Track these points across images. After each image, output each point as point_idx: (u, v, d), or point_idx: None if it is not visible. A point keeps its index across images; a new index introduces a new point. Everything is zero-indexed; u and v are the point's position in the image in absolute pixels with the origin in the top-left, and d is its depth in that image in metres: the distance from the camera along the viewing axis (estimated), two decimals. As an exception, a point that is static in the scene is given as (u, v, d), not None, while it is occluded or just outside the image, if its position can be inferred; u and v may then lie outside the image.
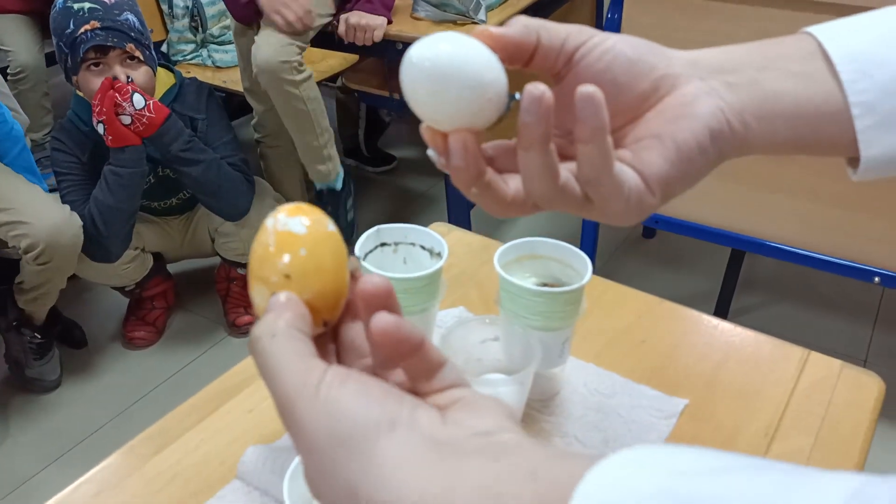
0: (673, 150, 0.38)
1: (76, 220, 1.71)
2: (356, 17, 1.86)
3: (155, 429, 0.72)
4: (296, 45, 1.88)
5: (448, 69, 0.35)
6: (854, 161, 0.41)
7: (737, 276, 1.95)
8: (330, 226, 0.34)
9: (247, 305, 2.09)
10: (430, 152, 0.39)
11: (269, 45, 1.86)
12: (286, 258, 0.32)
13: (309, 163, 2.08)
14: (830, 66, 0.39)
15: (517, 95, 0.36)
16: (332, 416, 0.28)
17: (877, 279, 1.55)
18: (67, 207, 1.72)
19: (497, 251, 0.71)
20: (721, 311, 1.96)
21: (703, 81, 0.39)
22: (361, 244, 0.73)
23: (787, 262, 1.68)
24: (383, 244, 0.76)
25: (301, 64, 1.90)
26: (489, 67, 0.36)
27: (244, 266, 2.05)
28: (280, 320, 0.31)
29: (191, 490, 0.66)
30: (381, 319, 0.30)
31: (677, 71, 0.40)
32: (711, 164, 0.39)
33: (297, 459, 0.56)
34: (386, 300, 0.31)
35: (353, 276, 0.34)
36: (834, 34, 0.40)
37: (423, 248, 0.76)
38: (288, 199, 2.06)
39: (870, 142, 0.39)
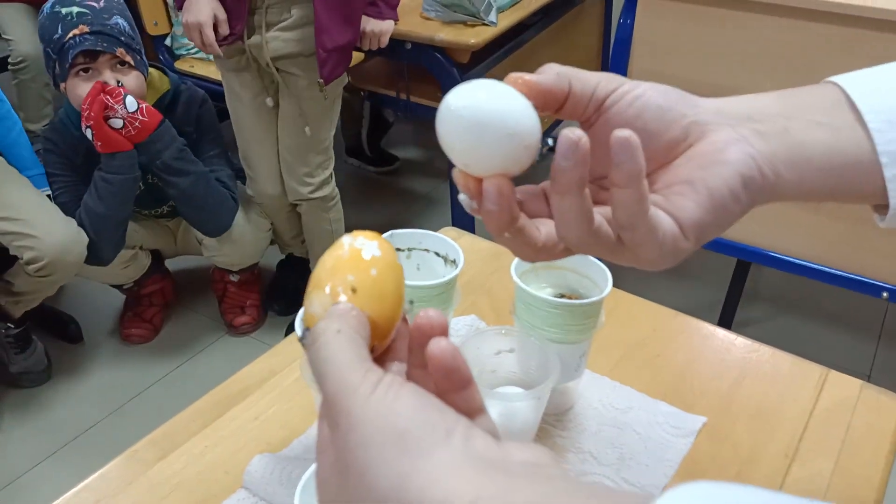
0: (706, 197, 0.38)
1: (83, 238, 1.67)
2: (363, 25, 1.82)
3: (158, 433, 0.70)
4: (330, 179, 1.91)
5: (486, 117, 0.35)
6: (881, 208, 0.41)
7: (742, 287, 1.93)
8: (399, 260, 0.35)
9: (243, 306, 2.07)
10: (462, 197, 0.39)
11: (304, 186, 1.88)
12: (357, 272, 0.33)
13: None
14: (858, 116, 0.40)
15: (550, 141, 0.36)
16: (391, 411, 0.28)
17: (885, 294, 1.54)
18: (74, 222, 1.68)
19: (514, 260, 0.70)
20: (725, 322, 1.94)
21: (733, 129, 0.39)
22: (375, 249, 0.71)
23: (794, 274, 1.67)
24: (397, 249, 0.74)
25: (334, 189, 1.94)
26: (525, 115, 0.36)
27: (236, 273, 2.03)
28: (346, 322, 0.31)
29: (195, 499, 0.64)
30: (441, 343, 0.30)
31: (707, 118, 0.40)
32: (743, 210, 0.39)
33: (310, 469, 0.54)
34: (441, 334, 0.31)
35: (403, 319, 0.35)
36: (859, 84, 0.41)
37: (437, 254, 0.74)
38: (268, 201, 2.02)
39: None
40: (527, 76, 0.38)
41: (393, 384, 0.29)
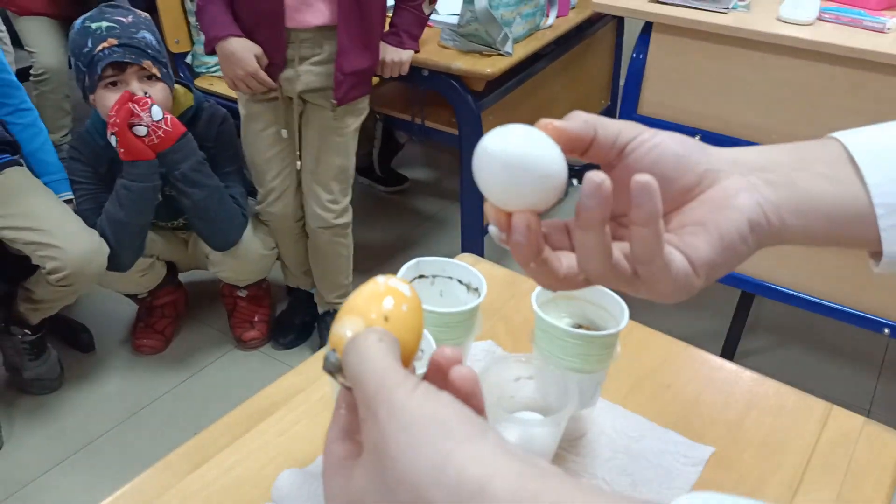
0: (717, 238, 0.41)
1: (104, 249, 1.71)
2: (382, 54, 1.87)
3: (190, 445, 0.73)
4: (349, 206, 1.96)
5: (520, 161, 0.39)
6: (877, 255, 0.45)
7: (745, 318, 1.96)
8: (423, 285, 0.38)
9: (252, 321, 2.11)
10: (492, 229, 0.43)
11: (328, 213, 1.92)
12: (392, 303, 0.37)
13: (330, 296, 2.08)
14: (857, 169, 0.43)
15: (574, 182, 0.39)
16: (433, 403, 0.31)
17: (886, 331, 1.57)
18: (96, 234, 1.72)
19: (535, 291, 0.73)
20: (727, 352, 1.97)
21: (744, 177, 0.43)
22: (401, 275, 0.74)
23: (796, 307, 1.70)
24: (421, 276, 0.78)
25: (350, 214, 1.98)
26: (554, 159, 0.40)
27: (244, 288, 2.07)
28: (385, 336, 0.34)
29: (225, 510, 0.67)
30: (462, 371, 0.34)
31: (720, 166, 0.43)
32: (750, 251, 0.43)
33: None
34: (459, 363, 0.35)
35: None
36: (859, 141, 0.44)
37: (459, 282, 0.77)
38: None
39: (892, 240, 0.43)
40: (556, 123, 0.42)
41: (431, 388, 0.31)
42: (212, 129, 1.85)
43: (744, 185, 0.42)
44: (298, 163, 1.88)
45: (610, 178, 0.37)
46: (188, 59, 2.48)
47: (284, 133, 1.84)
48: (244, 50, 1.68)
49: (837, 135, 0.45)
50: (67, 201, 1.81)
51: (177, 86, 1.83)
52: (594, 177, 0.36)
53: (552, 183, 0.40)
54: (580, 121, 0.42)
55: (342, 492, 0.32)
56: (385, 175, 2.88)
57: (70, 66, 2.65)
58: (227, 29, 1.68)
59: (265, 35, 1.70)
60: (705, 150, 0.44)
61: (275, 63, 1.73)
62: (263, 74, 1.71)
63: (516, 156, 0.39)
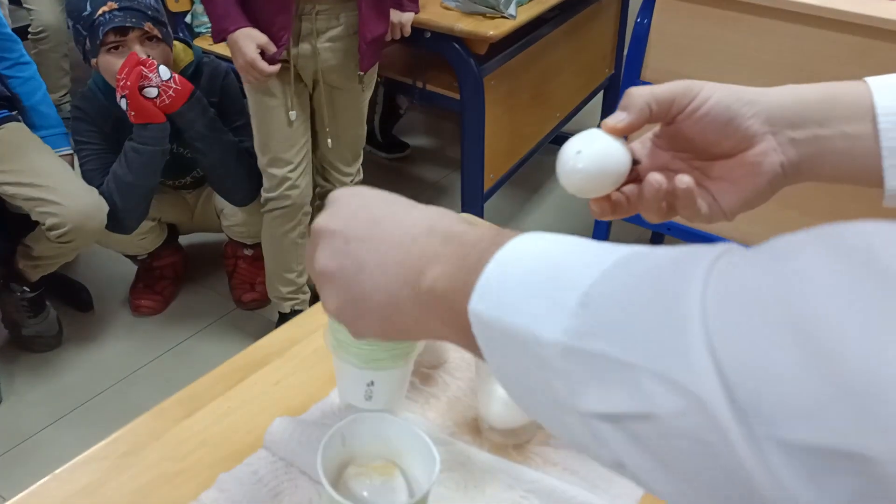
0: (744, 195, 0.53)
1: (104, 206, 1.70)
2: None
3: (184, 394, 0.73)
4: (360, 169, 1.96)
5: (598, 164, 0.52)
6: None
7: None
8: None
9: (252, 283, 2.11)
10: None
11: (346, 177, 1.92)
12: None
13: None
14: (875, 126, 0.48)
15: (634, 161, 0.54)
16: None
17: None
18: (96, 191, 1.70)
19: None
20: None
21: (775, 138, 0.51)
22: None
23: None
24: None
25: (361, 174, 1.98)
26: (621, 158, 0.53)
27: (250, 247, 2.06)
28: None
29: (219, 456, 0.67)
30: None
31: (756, 129, 0.51)
32: (768, 198, 0.54)
33: (331, 431, 0.57)
34: None
35: None
36: (884, 86, 0.50)
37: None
38: None
39: (893, 177, 0.49)
40: (618, 123, 0.52)
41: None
42: (215, 83, 1.84)
43: (772, 146, 0.51)
44: (305, 140, 1.83)
45: (671, 130, 0.53)
46: (187, 19, 2.45)
47: (293, 115, 1.74)
48: (245, 38, 1.59)
49: (870, 80, 0.50)
50: (66, 156, 1.80)
51: (175, 42, 1.81)
52: (653, 182, 0.52)
53: (620, 178, 0.54)
54: (636, 110, 0.52)
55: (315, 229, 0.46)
56: (386, 142, 2.87)
57: (69, 26, 2.64)
58: (233, 21, 1.59)
59: (272, 13, 1.60)
60: (750, 105, 0.51)
61: (282, 44, 1.62)
62: (263, 64, 1.60)
63: (596, 160, 0.52)
